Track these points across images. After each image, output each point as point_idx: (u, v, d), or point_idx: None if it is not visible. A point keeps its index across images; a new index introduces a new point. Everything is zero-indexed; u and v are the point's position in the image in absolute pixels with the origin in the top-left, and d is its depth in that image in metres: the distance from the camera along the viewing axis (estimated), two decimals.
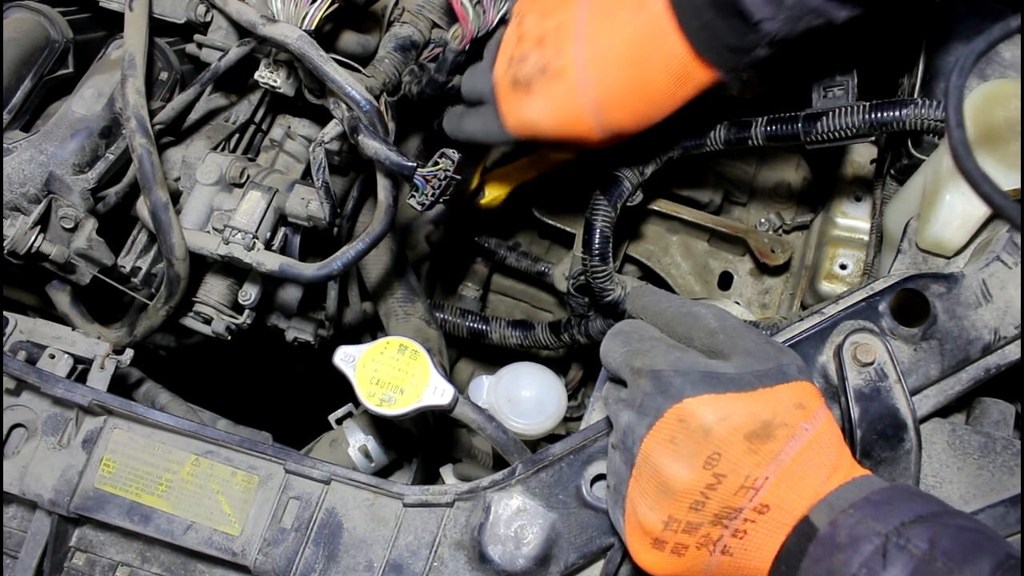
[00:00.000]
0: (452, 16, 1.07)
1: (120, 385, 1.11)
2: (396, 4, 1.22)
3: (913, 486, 0.85)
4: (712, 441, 0.68)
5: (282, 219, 1.10)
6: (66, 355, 0.98)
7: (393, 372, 0.89)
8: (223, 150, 1.16)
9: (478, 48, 1.07)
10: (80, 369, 0.99)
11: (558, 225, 1.40)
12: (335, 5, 1.00)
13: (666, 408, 0.70)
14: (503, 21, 1.05)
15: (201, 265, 1.12)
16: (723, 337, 0.76)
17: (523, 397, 1.19)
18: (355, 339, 1.34)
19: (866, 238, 1.28)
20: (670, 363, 0.73)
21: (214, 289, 1.14)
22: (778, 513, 0.69)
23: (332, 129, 1.04)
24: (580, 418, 1.39)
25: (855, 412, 0.86)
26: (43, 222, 1.02)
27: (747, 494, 0.69)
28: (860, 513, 0.66)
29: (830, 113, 1.04)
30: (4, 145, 1.03)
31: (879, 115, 1.02)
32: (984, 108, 0.95)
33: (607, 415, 0.88)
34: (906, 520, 0.64)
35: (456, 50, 1.07)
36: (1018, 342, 0.90)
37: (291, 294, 1.21)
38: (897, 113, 1.01)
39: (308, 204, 1.07)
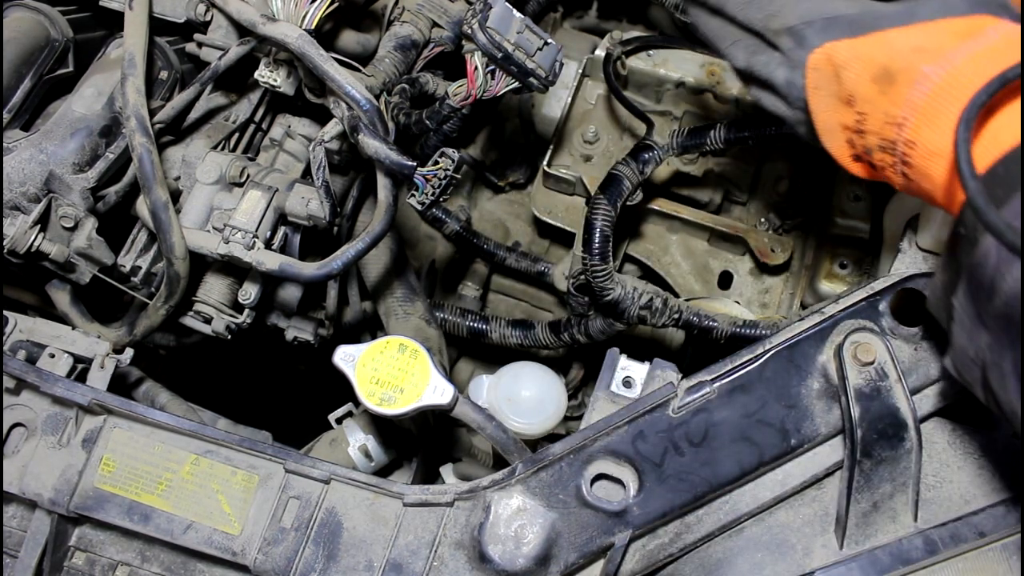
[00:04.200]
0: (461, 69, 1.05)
1: (120, 384, 1.11)
2: (396, 3, 1.22)
3: None
4: (844, 86, 0.76)
5: (282, 218, 1.10)
6: (66, 354, 0.98)
7: (393, 371, 0.89)
8: (223, 149, 1.16)
9: (476, 107, 1.06)
10: (80, 368, 1.00)
11: (558, 225, 1.40)
12: (335, 4, 1.00)
13: (804, 58, 0.79)
14: (515, 92, 1.04)
15: (201, 264, 1.12)
16: None
17: (523, 397, 1.18)
18: (355, 338, 1.34)
19: (866, 238, 1.28)
20: (800, 16, 0.80)
21: (214, 288, 1.14)
22: (925, 152, 0.71)
23: (332, 128, 1.04)
24: (580, 418, 1.39)
25: (855, 411, 0.86)
26: (43, 221, 1.02)
27: (893, 129, 0.73)
28: None
29: None
30: (4, 144, 1.03)
31: None
32: None
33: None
34: None
35: (454, 107, 1.07)
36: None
37: (291, 293, 1.21)
38: None
39: (308, 203, 1.07)
